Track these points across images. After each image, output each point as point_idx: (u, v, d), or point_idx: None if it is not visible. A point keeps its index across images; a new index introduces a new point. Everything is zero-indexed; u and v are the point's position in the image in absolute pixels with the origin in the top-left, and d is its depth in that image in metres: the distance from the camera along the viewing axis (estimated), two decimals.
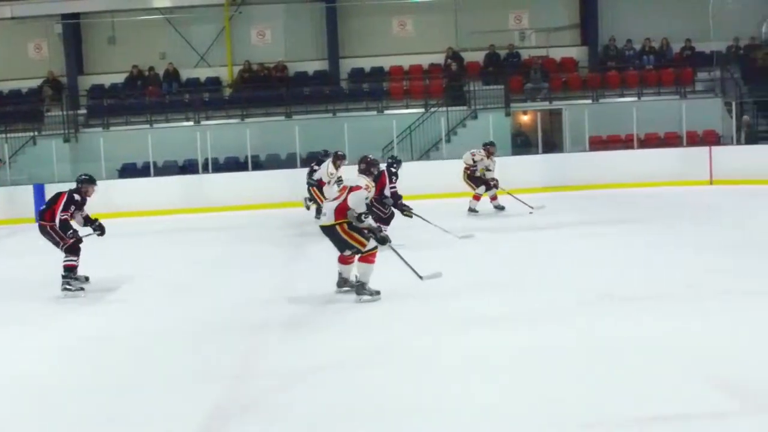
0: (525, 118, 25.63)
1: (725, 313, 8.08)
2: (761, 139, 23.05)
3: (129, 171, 22.59)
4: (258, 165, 22.37)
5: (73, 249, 10.42)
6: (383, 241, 9.34)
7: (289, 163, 22.46)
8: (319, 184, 14.74)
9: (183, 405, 6.22)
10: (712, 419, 5.45)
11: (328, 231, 9.48)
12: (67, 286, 10.35)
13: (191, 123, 24.43)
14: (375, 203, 12.18)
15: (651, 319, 7.95)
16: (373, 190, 9.72)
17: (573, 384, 6.24)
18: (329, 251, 12.98)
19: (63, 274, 10.40)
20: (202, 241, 15.53)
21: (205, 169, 21.76)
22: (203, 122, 24.33)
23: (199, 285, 11.03)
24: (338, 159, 14.72)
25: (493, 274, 9.89)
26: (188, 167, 22.76)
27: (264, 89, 25.24)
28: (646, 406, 5.70)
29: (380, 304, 9.21)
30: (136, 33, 26.17)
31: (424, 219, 12.96)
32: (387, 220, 12.71)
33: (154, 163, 21.89)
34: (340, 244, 9.47)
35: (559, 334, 7.59)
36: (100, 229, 10.69)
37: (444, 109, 23.55)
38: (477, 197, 16.41)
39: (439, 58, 25.95)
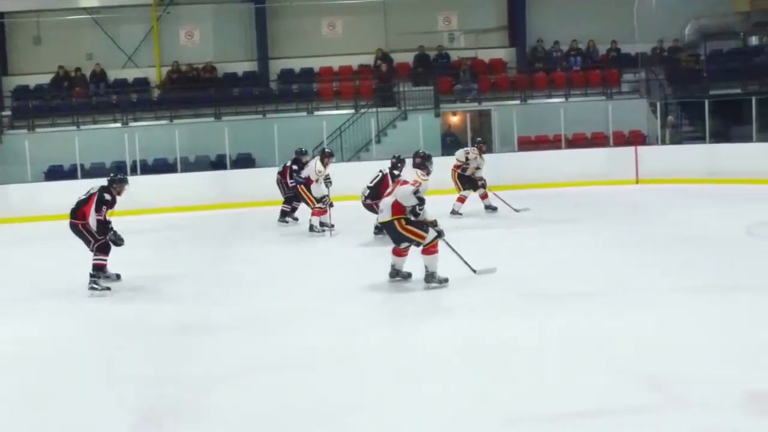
0: (454, 119, 25.80)
1: (652, 310, 8.26)
2: (685, 139, 23.46)
3: (56, 173, 22.16)
4: (187, 166, 22.14)
5: (103, 248, 10.43)
6: (440, 234, 9.56)
7: (218, 164, 22.33)
8: (307, 182, 14.83)
9: (107, 410, 6.17)
10: (637, 414, 5.56)
11: (386, 226, 9.77)
12: (94, 285, 10.33)
13: (119, 124, 24.09)
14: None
15: (579, 317, 8.09)
16: (425, 183, 9.80)
17: (498, 379, 6.33)
18: (260, 251, 12.97)
19: (91, 272, 10.40)
20: (130, 244, 15.28)
21: (134, 171, 21.48)
22: (131, 123, 23.97)
23: (127, 288, 10.86)
24: (326, 157, 14.91)
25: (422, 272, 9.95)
26: (116, 169, 22.40)
27: (193, 90, 24.98)
28: (570, 401, 5.79)
29: (315, 305, 9.24)
30: (62, 33, 25.72)
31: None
32: None
33: (82, 166, 21.51)
34: (398, 237, 9.69)
35: (485, 332, 7.69)
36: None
37: (374, 110, 23.56)
38: (462, 199, 16.12)
39: (369, 59, 25.97)
